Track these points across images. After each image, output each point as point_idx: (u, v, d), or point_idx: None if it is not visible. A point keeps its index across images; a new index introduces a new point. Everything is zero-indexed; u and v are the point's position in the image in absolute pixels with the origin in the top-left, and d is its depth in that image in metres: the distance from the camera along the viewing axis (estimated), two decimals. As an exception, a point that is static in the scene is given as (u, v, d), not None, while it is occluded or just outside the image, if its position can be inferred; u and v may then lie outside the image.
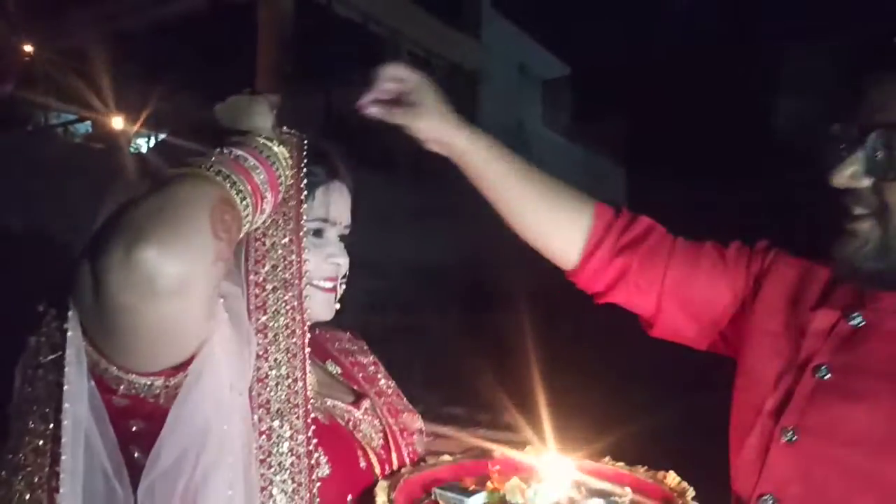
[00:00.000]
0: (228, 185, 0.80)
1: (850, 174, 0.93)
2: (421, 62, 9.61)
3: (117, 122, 7.25)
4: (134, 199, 0.75)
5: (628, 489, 0.94)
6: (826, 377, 0.97)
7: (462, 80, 10.43)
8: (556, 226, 1.17)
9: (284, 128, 0.96)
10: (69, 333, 0.75)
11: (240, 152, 0.85)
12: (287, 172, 0.90)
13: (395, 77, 1.08)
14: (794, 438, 0.96)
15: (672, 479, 0.97)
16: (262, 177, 0.85)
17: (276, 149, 0.89)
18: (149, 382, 0.77)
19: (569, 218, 1.17)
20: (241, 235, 0.85)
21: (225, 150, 0.85)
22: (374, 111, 1.07)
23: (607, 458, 1.05)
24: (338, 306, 1.06)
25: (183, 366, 0.78)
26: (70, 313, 0.75)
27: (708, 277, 1.14)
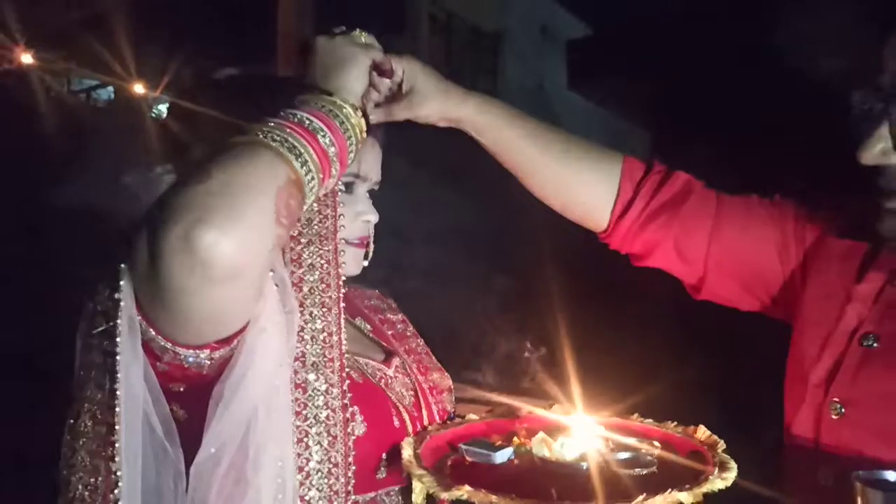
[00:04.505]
0: (295, 158, 0.76)
1: (879, 151, 0.88)
2: (442, 24, 9.48)
3: (139, 88, 7.27)
4: (198, 172, 0.72)
5: (656, 443, 0.94)
6: (874, 346, 0.94)
7: (484, 42, 10.29)
8: (581, 187, 1.10)
9: None
10: (122, 303, 0.75)
11: (318, 123, 0.80)
12: (359, 147, 0.85)
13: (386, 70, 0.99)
14: (842, 411, 0.94)
15: (702, 433, 0.97)
16: (333, 150, 0.80)
17: (354, 120, 0.83)
18: (194, 354, 0.77)
19: (594, 178, 1.10)
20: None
21: (301, 114, 0.79)
22: (373, 118, 0.97)
23: (635, 416, 1.05)
24: (365, 263, 1.05)
25: (228, 339, 0.78)
26: (122, 283, 0.75)
27: (755, 240, 1.08)
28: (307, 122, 0.79)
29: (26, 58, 6.07)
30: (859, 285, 0.99)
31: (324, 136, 0.80)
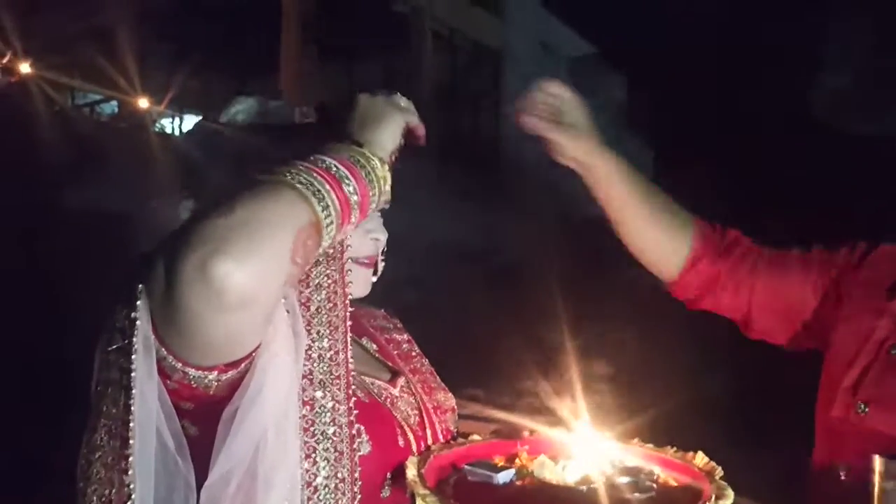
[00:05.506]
0: (318, 202, 0.78)
1: None
2: (444, 40, 9.55)
3: (143, 103, 7.32)
4: (221, 205, 0.75)
5: (657, 468, 0.95)
6: None
7: (485, 58, 10.36)
8: (664, 242, 1.25)
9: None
10: (137, 322, 0.77)
11: (344, 171, 0.82)
12: (380, 199, 0.88)
13: (552, 93, 1.13)
14: (866, 410, 1.06)
15: (700, 459, 0.98)
16: (355, 199, 0.82)
17: (381, 173, 0.86)
18: (203, 375, 0.79)
19: (674, 236, 1.25)
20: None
21: (329, 161, 0.82)
22: (529, 123, 1.11)
23: (636, 440, 1.06)
24: (374, 279, 1.07)
25: (236, 363, 0.80)
26: (139, 303, 0.77)
27: (793, 279, 1.23)
28: (334, 168, 0.81)
29: (27, 69, 6.13)
30: (891, 303, 1.12)
31: (348, 185, 0.82)
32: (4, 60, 5.96)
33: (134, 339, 0.77)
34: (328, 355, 0.90)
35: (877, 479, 0.87)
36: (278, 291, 0.79)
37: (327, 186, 0.80)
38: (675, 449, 1.02)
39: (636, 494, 0.87)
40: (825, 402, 1.15)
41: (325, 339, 0.90)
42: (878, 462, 0.88)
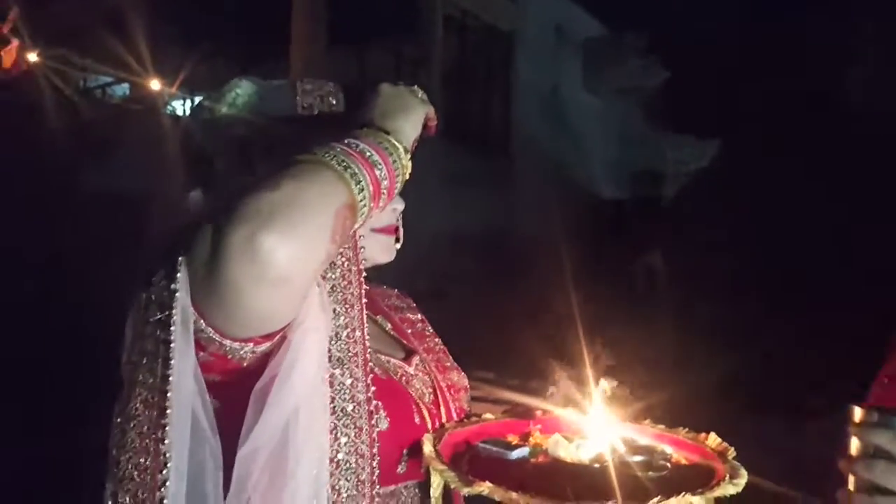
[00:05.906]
0: (355, 184, 0.81)
1: None
2: (456, 23, 9.49)
3: (155, 85, 7.33)
4: (268, 181, 0.77)
5: (669, 448, 0.96)
6: None
7: (497, 41, 10.29)
8: None
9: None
10: (177, 294, 0.79)
11: (377, 156, 0.85)
12: (402, 184, 0.90)
13: None
14: (885, 382, 1.07)
15: (713, 440, 0.99)
16: (385, 183, 0.85)
17: (405, 161, 0.89)
18: (239, 346, 0.82)
19: None
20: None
21: (362, 146, 0.84)
22: None
23: (647, 421, 1.07)
24: (398, 246, 1.08)
25: (271, 335, 0.83)
26: (179, 275, 0.79)
27: None
28: (368, 153, 0.84)
29: (36, 56, 6.13)
30: None
31: (380, 170, 0.84)
32: (14, 45, 5.97)
33: (173, 311, 0.79)
34: (345, 333, 0.92)
35: (854, 427, 0.86)
36: (318, 269, 0.82)
37: (363, 170, 0.82)
38: (686, 430, 1.03)
39: (650, 473, 0.88)
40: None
41: (342, 317, 0.92)
42: (856, 412, 0.87)
